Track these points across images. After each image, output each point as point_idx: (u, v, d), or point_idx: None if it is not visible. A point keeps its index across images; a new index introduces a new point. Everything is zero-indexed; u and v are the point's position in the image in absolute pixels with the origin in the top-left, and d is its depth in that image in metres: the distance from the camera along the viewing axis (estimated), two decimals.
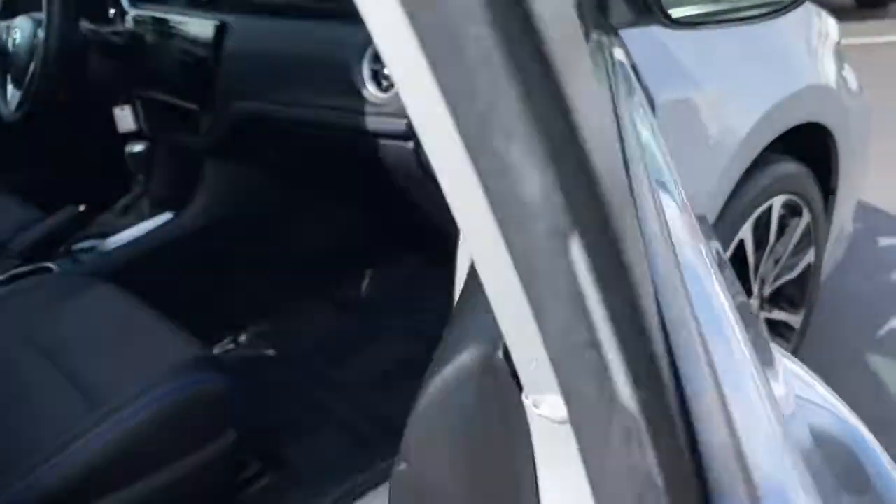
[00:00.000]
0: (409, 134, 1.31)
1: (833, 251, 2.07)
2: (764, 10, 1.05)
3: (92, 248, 1.70)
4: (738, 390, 0.52)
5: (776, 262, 1.86)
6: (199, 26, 1.61)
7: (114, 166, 1.81)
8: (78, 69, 1.76)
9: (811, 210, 1.85)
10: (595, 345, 0.38)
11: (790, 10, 1.04)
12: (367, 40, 1.33)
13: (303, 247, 2.07)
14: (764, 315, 1.90)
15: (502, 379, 0.47)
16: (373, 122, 1.34)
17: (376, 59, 1.33)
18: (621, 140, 0.63)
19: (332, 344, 1.97)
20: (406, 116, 1.30)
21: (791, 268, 1.90)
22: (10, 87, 1.89)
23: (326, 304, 2.10)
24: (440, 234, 1.63)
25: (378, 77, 1.33)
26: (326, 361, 1.92)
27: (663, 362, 0.42)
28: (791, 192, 1.78)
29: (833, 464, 0.68)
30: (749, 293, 1.81)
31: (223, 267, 1.91)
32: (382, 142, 1.36)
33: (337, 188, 1.76)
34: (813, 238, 1.90)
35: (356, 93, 1.35)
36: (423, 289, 2.09)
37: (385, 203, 1.61)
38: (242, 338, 1.96)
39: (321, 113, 1.42)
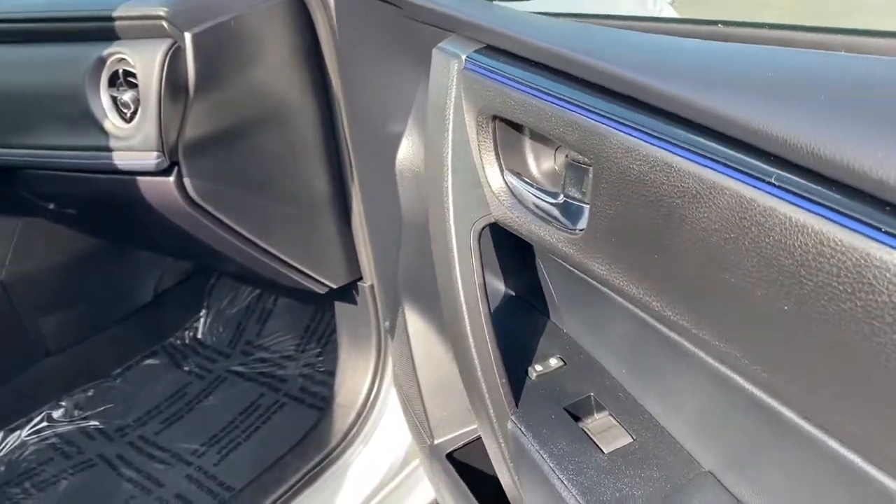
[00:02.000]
0: (166, 167, 1.09)
1: None
2: None
3: None
4: None
5: None
6: None
7: None
8: None
9: None
10: None
11: None
12: (101, 62, 1.10)
13: (122, 297, 1.83)
14: None
15: None
16: (123, 160, 1.12)
17: (113, 83, 1.10)
18: None
19: (166, 403, 1.74)
20: (156, 149, 1.08)
21: None
22: None
23: (160, 358, 1.86)
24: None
25: (118, 105, 1.11)
26: (160, 425, 1.69)
27: None
28: None
29: None
30: None
31: (22, 335, 1.65)
32: (141, 179, 1.14)
33: (126, 232, 1.52)
34: None
35: (97, 127, 1.12)
36: (263, 328, 1.88)
37: (172, 241, 1.38)
38: (57, 412, 1.70)
39: (67, 156, 1.18)
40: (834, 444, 0.43)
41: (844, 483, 0.45)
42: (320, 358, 1.75)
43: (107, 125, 1.11)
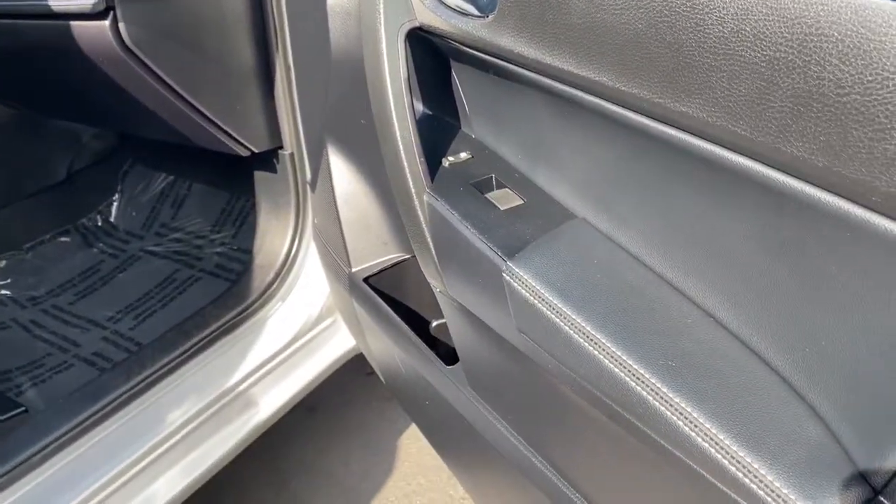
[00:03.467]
0: (103, 11, 1.15)
1: None
2: None
3: None
4: None
5: None
6: None
7: None
8: None
9: None
10: None
11: None
12: None
13: (34, 173, 1.84)
14: None
15: None
16: (59, 1, 1.16)
17: None
18: None
19: (79, 278, 1.78)
20: None
21: None
22: None
23: (71, 237, 1.89)
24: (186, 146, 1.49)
25: None
26: (74, 296, 1.73)
27: None
28: None
29: None
30: None
31: None
32: (74, 24, 1.19)
33: (48, 93, 1.54)
34: None
35: None
36: (177, 212, 1.93)
37: (98, 101, 1.43)
38: None
39: None
40: (674, 134, 0.58)
41: (680, 169, 0.60)
42: (235, 238, 1.83)
43: None
